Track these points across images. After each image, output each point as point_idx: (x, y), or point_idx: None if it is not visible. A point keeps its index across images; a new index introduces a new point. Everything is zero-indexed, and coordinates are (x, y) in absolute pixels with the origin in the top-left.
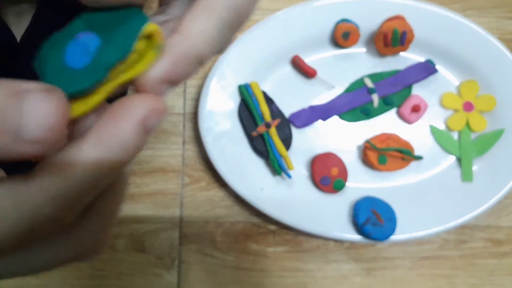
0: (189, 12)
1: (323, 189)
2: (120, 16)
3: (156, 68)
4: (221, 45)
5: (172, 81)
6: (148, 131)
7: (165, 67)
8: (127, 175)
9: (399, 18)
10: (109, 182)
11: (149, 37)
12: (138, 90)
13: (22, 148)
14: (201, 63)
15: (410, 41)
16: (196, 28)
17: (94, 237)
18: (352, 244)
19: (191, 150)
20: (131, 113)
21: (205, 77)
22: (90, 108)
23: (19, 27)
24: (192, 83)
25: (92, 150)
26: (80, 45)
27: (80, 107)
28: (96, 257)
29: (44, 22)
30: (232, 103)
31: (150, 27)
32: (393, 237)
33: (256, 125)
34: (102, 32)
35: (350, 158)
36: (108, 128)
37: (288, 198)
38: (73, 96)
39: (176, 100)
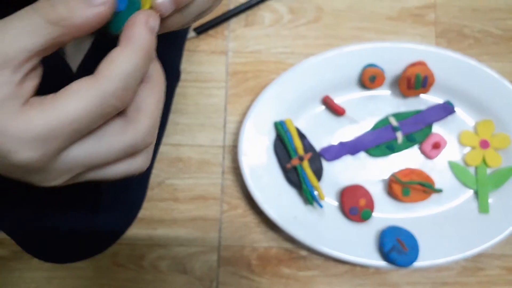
0: None
1: (351, 219)
2: None
3: None
4: None
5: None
6: (152, 29)
7: None
8: (160, 73)
9: (421, 64)
10: (146, 70)
11: None
12: (154, 6)
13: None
14: None
15: (431, 84)
16: None
17: (146, 131)
18: (377, 270)
19: (229, 180)
20: (138, 21)
21: (244, 114)
22: None
23: (76, 57)
24: (231, 119)
25: (127, 48)
26: None
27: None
28: (146, 166)
29: (100, 52)
30: (268, 138)
31: None
32: (416, 264)
33: (290, 158)
34: None
35: (376, 190)
36: (130, 33)
37: (319, 226)
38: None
39: (217, 134)
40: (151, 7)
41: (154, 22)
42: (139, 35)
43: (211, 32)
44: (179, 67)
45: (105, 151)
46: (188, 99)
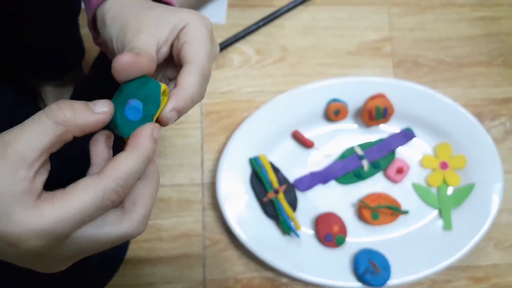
0: (182, 73)
1: (327, 245)
2: (143, 84)
3: (168, 105)
4: (202, 90)
5: (178, 111)
6: (156, 139)
7: (173, 103)
8: (156, 171)
9: (380, 96)
10: (144, 170)
11: (163, 92)
12: (160, 119)
13: (94, 117)
14: (193, 101)
15: (391, 114)
16: (188, 82)
17: (140, 221)
18: None
19: (210, 216)
20: (145, 132)
21: (220, 151)
22: None
23: None
24: (208, 157)
25: (132, 154)
26: (133, 108)
27: None
28: (140, 233)
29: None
30: (244, 173)
31: (163, 86)
32: (389, 282)
33: (266, 191)
34: (140, 96)
35: (348, 216)
36: (136, 141)
37: (297, 254)
38: None
39: (195, 172)
40: (158, 120)
41: (158, 133)
42: (144, 144)
43: None
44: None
45: (104, 238)
46: (166, 141)
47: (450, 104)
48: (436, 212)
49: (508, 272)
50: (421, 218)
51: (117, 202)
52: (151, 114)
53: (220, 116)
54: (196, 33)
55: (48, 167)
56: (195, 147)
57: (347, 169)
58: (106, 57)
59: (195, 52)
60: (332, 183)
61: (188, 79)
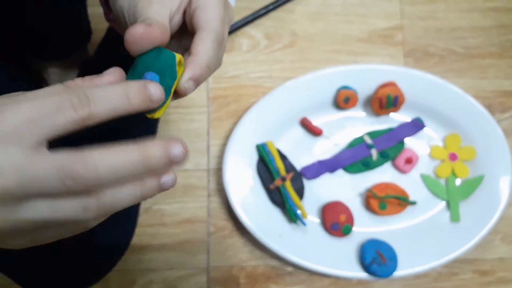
0: (195, 40)
1: (333, 234)
2: (157, 55)
3: (184, 75)
4: (218, 57)
5: (195, 80)
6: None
7: (189, 73)
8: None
9: (391, 85)
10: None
11: (178, 62)
12: (177, 90)
13: None
14: (209, 68)
15: (401, 103)
16: (201, 49)
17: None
18: (360, 281)
19: (215, 202)
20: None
21: (226, 137)
22: (168, 105)
23: None
24: (214, 143)
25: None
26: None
27: (163, 108)
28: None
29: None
30: (251, 159)
31: (178, 56)
32: (395, 273)
33: (273, 179)
34: (155, 69)
35: (355, 205)
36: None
37: (303, 242)
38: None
39: (201, 158)
40: (175, 91)
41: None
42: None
43: None
44: None
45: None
46: (171, 125)
47: (461, 94)
48: (444, 203)
49: None
50: (428, 209)
51: None
52: (168, 86)
53: (227, 101)
54: None
55: None
56: (201, 132)
57: (356, 158)
58: (112, 38)
59: (208, 17)
60: (340, 172)
61: (202, 45)
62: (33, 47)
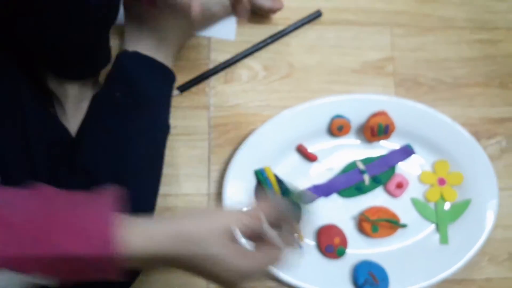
0: None
1: (328, 256)
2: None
3: None
4: None
5: None
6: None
7: None
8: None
9: (382, 114)
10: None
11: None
12: None
13: None
14: None
15: (392, 131)
16: None
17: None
18: None
19: None
20: None
21: (226, 163)
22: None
23: (76, 117)
24: (215, 168)
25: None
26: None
27: None
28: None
29: (95, 118)
30: (249, 184)
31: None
32: None
33: None
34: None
35: (348, 228)
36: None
37: (299, 264)
38: None
39: (202, 183)
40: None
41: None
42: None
43: (193, 89)
44: (168, 121)
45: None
46: (174, 152)
47: (449, 122)
48: (433, 226)
49: (501, 285)
50: (418, 232)
51: None
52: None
53: (227, 129)
54: None
55: None
56: (203, 158)
57: (349, 183)
58: (119, 73)
59: None
60: (334, 196)
61: None
62: (56, 64)
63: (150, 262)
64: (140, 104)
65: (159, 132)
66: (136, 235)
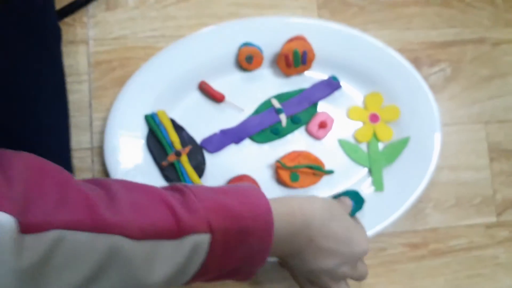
0: None
1: None
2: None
3: None
4: None
5: None
6: None
7: None
8: None
9: (299, 39)
10: None
11: None
12: None
13: None
14: None
15: (311, 60)
16: None
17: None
18: (274, 264)
19: None
20: None
21: (110, 109)
22: None
23: None
24: (98, 116)
25: None
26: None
27: None
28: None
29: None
30: (140, 134)
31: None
32: None
33: (166, 154)
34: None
35: (265, 179)
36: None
37: None
38: None
39: (83, 135)
40: None
41: None
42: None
43: (67, 20)
44: (56, 22)
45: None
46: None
47: (381, 47)
48: (365, 171)
49: (448, 236)
50: (348, 178)
51: None
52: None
53: (112, 66)
54: None
55: None
56: (82, 104)
57: (263, 126)
58: None
59: None
60: (247, 142)
61: None
62: None
63: (288, 238)
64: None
65: (52, 37)
66: (277, 206)
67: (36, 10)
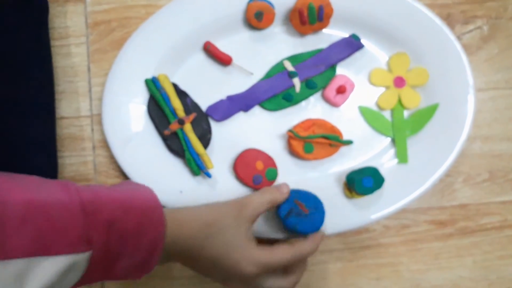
0: None
1: (258, 188)
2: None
3: None
4: None
5: None
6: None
7: None
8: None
9: None
10: (311, 254)
11: None
12: None
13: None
14: None
15: (329, 16)
16: None
17: (292, 284)
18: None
19: (102, 156)
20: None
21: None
22: None
23: None
24: (97, 81)
25: (311, 243)
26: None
27: None
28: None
29: None
30: (141, 99)
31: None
32: (330, 229)
33: (168, 122)
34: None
35: (276, 150)
36: (316, 236)
37: (211, 198)
38: None
39: (82, 102)
40: None
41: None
42: (315, 246)
43: None
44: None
45: (278, 286)
46: None
47: (409, 2)
48: (388, 141)
49: (479, 213)
50: (368, 150)
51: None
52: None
53: (111, 27)
54: None
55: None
56: (80, 68)
57: (275, 91)
58: None
59: None
60: (256, 110)
61: None
62: None
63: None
64: None
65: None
66: (169, 217)
67: None
